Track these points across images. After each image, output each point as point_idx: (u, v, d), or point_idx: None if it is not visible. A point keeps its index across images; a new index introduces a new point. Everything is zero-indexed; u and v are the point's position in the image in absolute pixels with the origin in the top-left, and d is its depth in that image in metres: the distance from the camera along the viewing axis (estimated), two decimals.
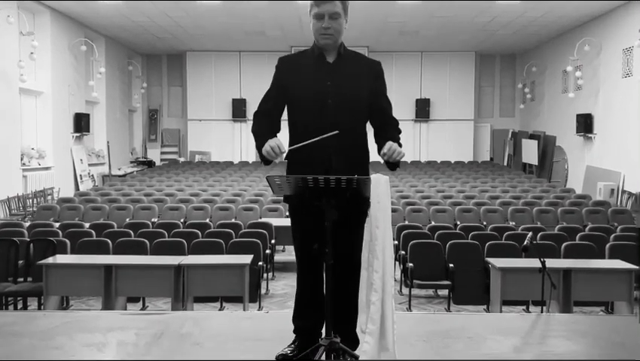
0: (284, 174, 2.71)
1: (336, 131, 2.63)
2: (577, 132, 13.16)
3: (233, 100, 17.10)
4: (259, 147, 2.74)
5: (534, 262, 4.54)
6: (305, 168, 2.72)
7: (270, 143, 2.66)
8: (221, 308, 5.89)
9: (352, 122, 2.79)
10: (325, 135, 2.61)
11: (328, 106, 2.75)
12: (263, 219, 8.11)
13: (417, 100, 17.21)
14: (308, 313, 2.90)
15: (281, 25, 13.67)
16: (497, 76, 18.27)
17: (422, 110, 17.23)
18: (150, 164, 17.22)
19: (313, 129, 2.72)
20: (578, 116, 13.09)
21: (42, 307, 5.36)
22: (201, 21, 13.31)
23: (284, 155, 2.72)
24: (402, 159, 2.75)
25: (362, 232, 2.69)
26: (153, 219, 8.29)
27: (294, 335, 2.93)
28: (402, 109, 16.14)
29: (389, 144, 2.68)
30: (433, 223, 7.95)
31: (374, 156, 2.88)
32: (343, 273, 2.76)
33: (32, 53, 10.99)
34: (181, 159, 17.39)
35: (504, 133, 18.05)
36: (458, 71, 17.43)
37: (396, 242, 6.79)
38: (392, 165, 2.76)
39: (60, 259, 5.52)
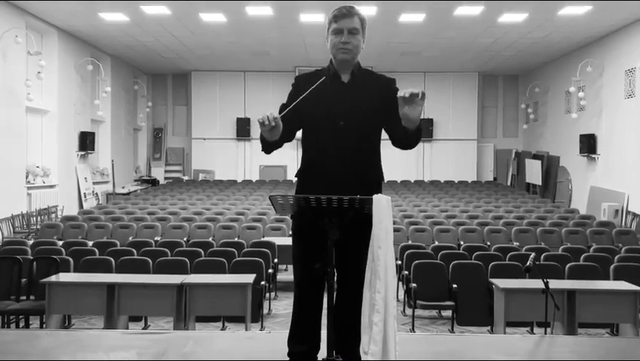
0: (288, 193, 2.69)
1: (323, 77, 2.67)
2: (580, 153, 13.17)
3: (238, 119, 17.21)
4: (261, 137, 2.69)
5: (538, 283, 4.51)
6: (315, 187, 2.68)
7: (265, 113, 2.56)
8: (223, 328, 5.85)
9: (363, 144, 2.79)
10: (316, 84, 2.62)
11: (340, 127, 2.74)
12: (266, 238, 8.10)
13: (420, 120, 17.23)
14: (305, 336, 2.83)
15: (286, 45, 13.79)
16: (500, 96, 18.34)
17: (425, 130, 17.24)
18: (154, 182, 17.27)
19: (324, 150, 2.74)
20: (581, 136, 13.11)
21: (44, 325, 5.35)
22: (206, 41, 13.44)
23: (277, 127, 2.56)
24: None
25: (366, 252, 2.67)
26: (156, 238, 8.29)
27: (288, 359, 2.84)
28: None
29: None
30: (436, 243, 7.93)
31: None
32: (347, 292, 2.74)
33: (39, 72, 11.10)
34: (185, 178, 17.45)
35: (507, 153, 18.07)
36: (461, 92, 17.51)
37: (399, 262, 6.77)
38: (412, 135, 2.76)
39: (63, 277, 5.52)
